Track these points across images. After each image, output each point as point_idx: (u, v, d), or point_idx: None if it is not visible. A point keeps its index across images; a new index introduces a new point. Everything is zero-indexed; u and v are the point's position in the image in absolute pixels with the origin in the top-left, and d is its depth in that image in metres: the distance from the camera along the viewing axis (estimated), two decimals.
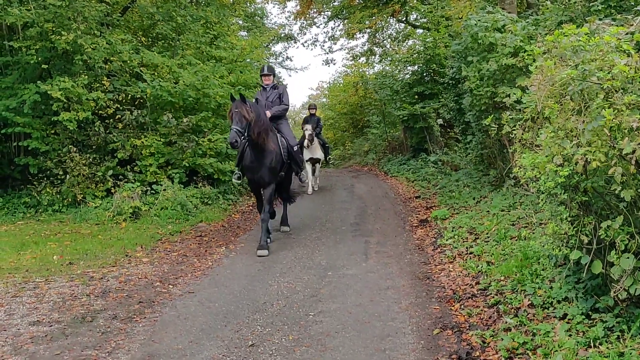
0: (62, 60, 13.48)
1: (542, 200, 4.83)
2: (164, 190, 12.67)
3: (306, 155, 14.89)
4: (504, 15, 10.07)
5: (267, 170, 8.79)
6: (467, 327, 5.16)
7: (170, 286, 7.15)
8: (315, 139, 15.50)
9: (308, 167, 15.10)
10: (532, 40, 8.79)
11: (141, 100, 14.12)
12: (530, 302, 5.27)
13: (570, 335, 4.43)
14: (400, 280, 6.89)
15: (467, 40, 10.44)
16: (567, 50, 4.58)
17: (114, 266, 8.18)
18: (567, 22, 8.23)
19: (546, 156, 4.37)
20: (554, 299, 5.08)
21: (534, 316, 5.00)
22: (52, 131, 13.29)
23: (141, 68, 14.06)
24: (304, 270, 7.62)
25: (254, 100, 9.21)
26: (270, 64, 11.30)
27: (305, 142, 15.00)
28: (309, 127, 15.23)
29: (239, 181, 9.50)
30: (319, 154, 15.64)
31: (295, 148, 9.57)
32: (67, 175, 12.90)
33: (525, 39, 9.15)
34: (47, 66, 12.94)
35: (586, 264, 4.43)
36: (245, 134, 8.17)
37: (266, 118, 8.88)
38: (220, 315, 5.90)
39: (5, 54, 13.26)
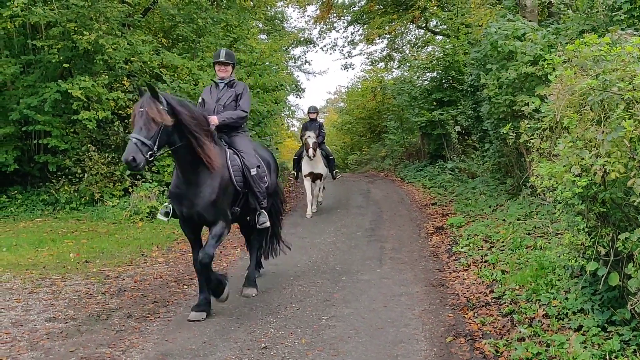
0: (83, 59, 13.66)
1: (559, 210, 4.79)
2: None
3: (305, 169, 12.77)
4: (524, 23, 10.02)
5: (207, 203, 5.82)
6: (481, 336, 5.13)
7: (185, 286, 7.19)
8: (318, 150, 12.92)
9: (307, 183, 12.82)
10: (552, 49, 8.74)
11: None
12: (545, 312, 5.22)
13: (585, 348, 4.38)
14: (414, 287, 6.88)
15: (486, 48, 10.40)
16: (588, 60, 4.55)
17: (129, 265, 8.25)
18: (588, 32, 8.17)
19: (564, 166, 4.34)
20: (569, 310, 5.03)
21: (548, 327, 4.96)
22: (72, 130, 13.46)
23: (161, 69, 14.19)
24: (317, 275, 7.63)
25: (199, 100, 7.02)
26: (229, 50, 7.12)
27: (310, 152, 12.46)
28: (311, 134, 12.66)
29: (167, 218, 6.28)
30: (321, 167, 12.90)
31: (254, 171, 6.41)
32: (86, 174, 13.06)
33: (546, 47, 9.09)
34: (68, 65, 13.11)
35: (603, 275, 4.39)
36: (155, 148, 5.33)
37: (205, 120, 6.08)
38: (233, 317, 5.93)
39: (28, 52, 13.46)
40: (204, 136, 5.79)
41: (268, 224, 6.65)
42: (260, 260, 7.64)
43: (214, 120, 6.34)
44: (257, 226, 6.64)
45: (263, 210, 6.62)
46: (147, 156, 5.26)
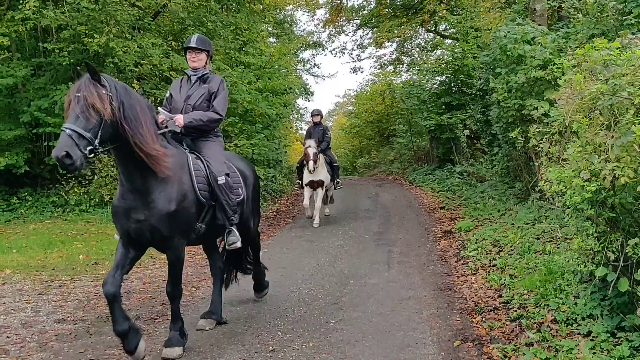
0: (94, 62, 13.70)
1: (568, 215, 4.78)
2: None
3: (306, 177, 12.14)
4: (534, 27, 10.00)
5: (163, 214, 4.71)
6: (489, 341, 5.12)
7: (193, 289, 7.22)
8: (321, 156, 12.19)
9: (306, 191, 12.17)
10: (562, 53, 8.71)
11: None
12: (553, 317, 5.20)
13: (594, 353, 4.36)
14: (422, 291, 6.86)
15: (495, 52, 10.38)
16: (598, 64, 4.54)
17: (138, 267, 8.27)
18: (598, 36, 8.14)
19: (573, 170, 4.33)
20: (578, 315, 5.00)
21: (557, 332, 4.93)
22: None
23: (171, 72, 14.24)
24: (325, 278, 7.63)
25: (167, 94, 5.92)
26: (204, 36, 6.10)
27: (310, 166, 11.76)
28: (311, 142, 11.95)
29: None
30: (322, 175, 12.16)
31: (222, 180, 5.29)
32: (95, 176, 13.12)
33: (555, 51, 9.07)
34: (79, 68, 13.18)
35: (612, 281, 4.37)
36: (97, 142, 4.24)
37: (150, 115, 4.82)
38: (241, 319, 5.94)
39: (39, 55, 13.56)
40: (148, 134, 4.59)
41: (239, 244, 5.46)
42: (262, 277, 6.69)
43: (179, 120, 5.28)
44: (227, 247, 5.54)
45: (233, 228, 5.47)
46: (86, 152, 4.15)
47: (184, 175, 4.99)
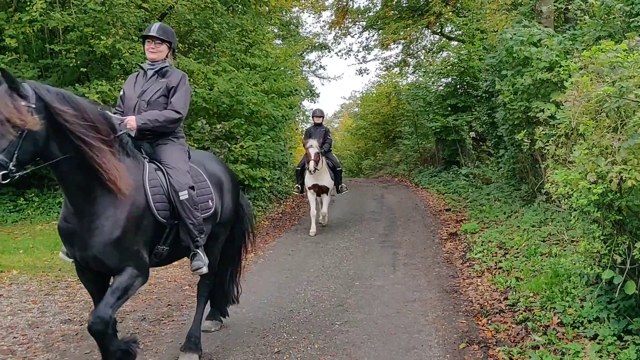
0: (100, 64, 13.79)
1: (574, 217, 4.76)
2: None
3: (309, 181, 11.36)
4: (540, 29, 9.98)
5: (107, 243, 4.03)
6: (494, 343, 5.11)
7: None
8: (323, 159, 11.35)
9: (311, 197, 11.43)
10: (568, 55, 8.69)
11: None
12: (559, 320, 5.18)
13: (601, 357, 4.35)
14: (427, 293, 6.85)
15: (501, 54, 10.36)
16: (605, 67, 4.53)
17: None
18: (605, 38, 8.12)
19: (579, 173, 4.32)
20: (584, 318, 4.99)
21: (563, 335, 4.92)
22: None
23: None
24: (331, 280, 7.63)
25: (120, 92, 5.11)
26: (166, 25, 5.17)
27: (311, 166, 10.86)
28: (314, 142, 11.04)
29: (70, 259, 4.40)
30: (326, 179, 11.39)
31: (184, 195, 4.47)
32: None
33: (562, 54, 9.05)
34: (85, 69, 13.25)
35: (619, 284, 4.35)
36: (12, 165, 3.53)
37: (105, 122, 4.15)
38: (247, 321, 5.94)
39: (46, 56, 13.62)
40: (102, 144, 3.96)
41: (204, 270, 4.65)
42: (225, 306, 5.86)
43: (130, 122, 4.48)
44: (192, 271, 4.75)
45: (199, 250, 4.64)
46: None
47: (138, 195, 4.20)
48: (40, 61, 13.48)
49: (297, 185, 12.32)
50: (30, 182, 13.71)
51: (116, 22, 13.07)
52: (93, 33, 12.81)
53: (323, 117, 12.51)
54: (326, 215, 11.99)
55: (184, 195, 4.46)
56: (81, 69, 13.05)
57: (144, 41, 5.02)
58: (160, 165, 4.57)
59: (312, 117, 12.62)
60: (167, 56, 5.00)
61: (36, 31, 13.07)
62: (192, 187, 4.58)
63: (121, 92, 5.06)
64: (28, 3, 12.02)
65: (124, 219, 4.07)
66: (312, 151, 10.89)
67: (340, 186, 12.15)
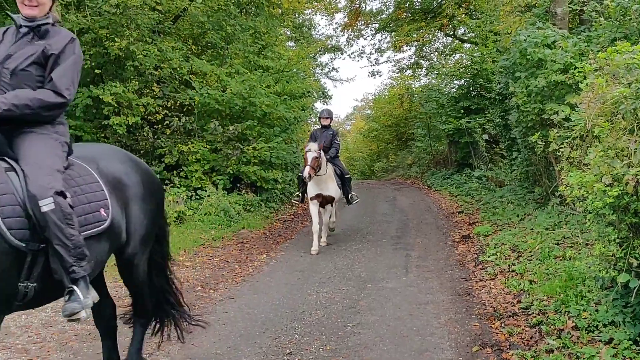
0: (114, 65, 13.87)
1: (589, 220, 4.73)
2: (208, 196, 12.88)
3: (311, 190, 9.83)
4: (554, 31, 9.92)
5: None
6: (508, 347, 5.07)
7: (211, 291, 7.24)
8: (329, 166, 10.03)
9: (313, 208, 9.84)
10: (583, 57, 8.63)
11: (189, 107, 14.40)
12: (574, 324, 5.14)
13: None
14: (440, 296, 6.82)
15: (515, 56, 10.31)
16: (620, 68, 4.49)
17: None
18: (621, 39, 8.06)
19: (595, 175, 4.28)
20: (599, 322, 4.94)
21: (578, 339, 4.88)
22: (102, 135, 13.67)
23: (190, 75, 14.34)
24: (343, 281, 7.61)
25: None
26: None
27: (305, 173, 9.38)
28: (313, 146, 9.54)
29: None
30: (331, 188, 9.94)
31: (48, 205, 3.06)
32: None
33: (576, 55, 8.98)
34: (99, 71, 13.33)
35: (635, 287, 4.31)
36: None
37: None
38: (259, 322, 5.95)
39: None
40: None
41: (83, 314, 3.36)
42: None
43: None
44: (63, 316, 3.37)
45: (75, 287, 3.30)
46: None
47: None
48: None
49: (297, 193, 10.89)
50: None
51: (130, 24, 13.14)
52: (107, 35, 12.90)
53: (331, 118, 11.13)
54: (333, 221, 10.94)
55: (47, 204, 3.08)
56: (95, 71, 13.14)
57: None
58: (13, 164, 3.22)
59: (319, 118, 11.26)
60: (50, 9, 3.56)
61: None
62: (60, 193, 3.17)
63: None
64: None
65: None
66: (310, 156, 9.40)
67: (350, 195, 10.81)
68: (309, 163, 9.33)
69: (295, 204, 11.85)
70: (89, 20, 12.67)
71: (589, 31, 10.68)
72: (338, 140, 10.88)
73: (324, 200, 9.97)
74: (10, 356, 4.92)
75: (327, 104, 33.26)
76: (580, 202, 4.68)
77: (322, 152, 9.67)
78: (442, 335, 5.46)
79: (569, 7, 11.88)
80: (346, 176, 10.70)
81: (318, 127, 11.30)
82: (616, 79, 4.50)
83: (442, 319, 5.93)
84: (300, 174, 10.28)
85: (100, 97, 12.45)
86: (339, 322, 5.91)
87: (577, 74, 5.45)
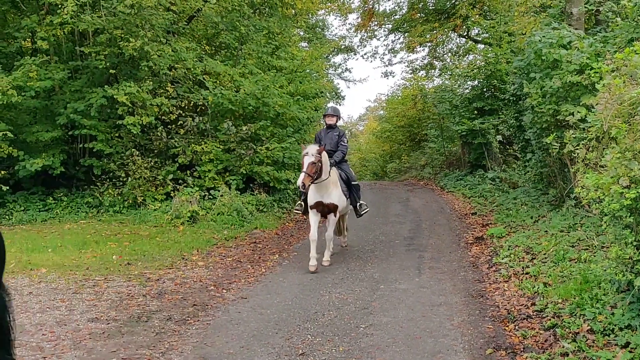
0: (129, 66, 13.98)
1: (605, 222, 4.68)
2: (221, 196, 12.92)
3: (312, 197, 8.59)
4: (570, 31, 9.83)
5: None
6: (522, 349, 5.03)
7: (224, 291, 7.25)
8: (334, 170, 8.78)
9: (312, 218, 8.64)
10: (599, 57, 8.54)
11: (203, 107, 14.47)
12: (589, 327, 5.09)
13: None
14: (453, 297, 6.79)
15: (530, 57, 10.23)
16: (638, 69, 4.45)
17: (170, 268, 8.36)
18: (638, 40, 7.97)
19: (611, 177, 4.24)
20: (615, 325, 4.89)
21: (593, 342, 4.83)
22: (117, 134, 13.78)
23: (204, 76, 14.41)
24: (355, 282, 7.60)
25: None
26: None
27: (299, 181, 8.14)
28: (311, 149, 8.23)
29: None
30: (334, 196, 8.62)
31: None
32: (129, 178, 13.33)
33: (593, 56, 8.90)
34: (114, 71, 13.45)
35: None
36: None
37: None
38: (271, 322, 5.95)
39: (76, 58, 13.84)
40: None
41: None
42: None
43: None
44: None
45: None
46: None
47: None
48: (70, 63, 13.70)
49: (299, 202, 9.42)
50: (59, 182, 13.94)
51: (145, 25, 13.23)
52: (122, 35, 12.99)
53: (337, 116, 9.60)
54: (345, 240, 9.98)
55: None
56: (110, 71, 13.24)
57: None
58: None
59: (324, 116, 9.78)
60: None
61: (67, 33, 13.30)
62: None
63: None
64: (59, 6, 12.22)
65: None
66: (306, 160, 8.13)
67: (359, 204, 9.45)
68: (304, 169, 8.08)
69: (297, 213, 10.29)
70: (104, 21, 12.76)
71: (605, 31, 10.59)
72: (345, 141, 9.41)
73: (326, 209, 8.62)
74: (25, 354, 4.95)
75: (339, 105, 33.19)
76: (596, 204, 4.63)
77: (323, 155, 8.36)
78: (455, 337, 5.43)
79: (585, 7, 11.78)
80: (353, 183, 9.33)
81: (323, 127, 9.77)
82: (634, 80, 4.45)
83: (455, 321, 5.90)
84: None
85: (115, 97, 12.54)
86: (352, 323, 5.89)
87: (593, 75, 5.40)
